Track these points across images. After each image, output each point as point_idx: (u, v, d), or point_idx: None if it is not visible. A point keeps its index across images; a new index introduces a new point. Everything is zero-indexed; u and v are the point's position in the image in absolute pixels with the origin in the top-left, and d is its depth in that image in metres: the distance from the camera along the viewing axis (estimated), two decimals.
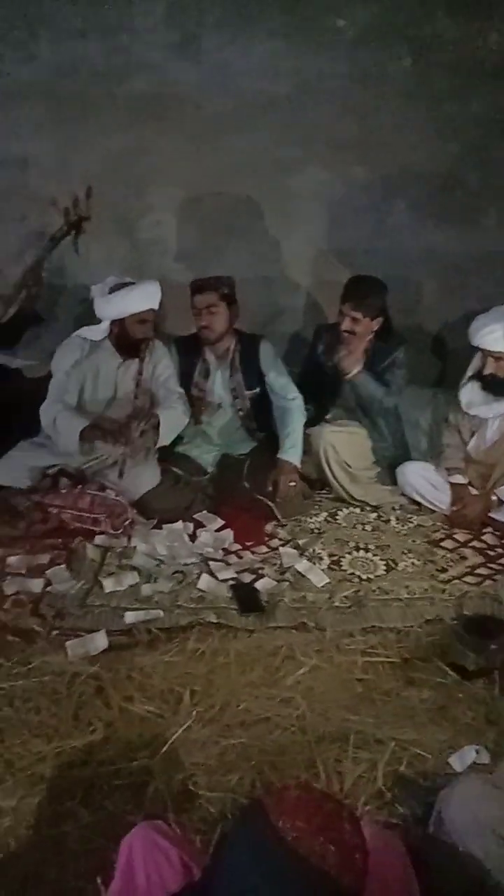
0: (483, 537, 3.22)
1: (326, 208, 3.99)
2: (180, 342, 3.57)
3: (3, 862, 1.71)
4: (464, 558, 3.07)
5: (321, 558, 3.03)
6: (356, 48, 3.70)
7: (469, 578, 2.92)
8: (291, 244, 4.07)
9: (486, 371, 3.15)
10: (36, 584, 2.78)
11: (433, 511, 3.37)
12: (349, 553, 3.08)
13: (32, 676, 2.28)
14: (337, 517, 3.38)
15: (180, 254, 4.06)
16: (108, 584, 2.79)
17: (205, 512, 3.34)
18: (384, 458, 3.53)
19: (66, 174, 3.73)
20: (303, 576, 2.88)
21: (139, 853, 1.33)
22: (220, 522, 3.27)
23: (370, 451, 3.50)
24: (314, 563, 2.97)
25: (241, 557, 3.04)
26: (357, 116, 3.82)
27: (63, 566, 2.91)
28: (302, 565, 2.93)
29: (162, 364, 3.45)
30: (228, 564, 2.97)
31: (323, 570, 2.92)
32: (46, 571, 2.86)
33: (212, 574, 2.87)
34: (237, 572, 2.90)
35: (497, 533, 3.24)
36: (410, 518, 3.37)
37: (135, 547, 3.06)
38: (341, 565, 2.99)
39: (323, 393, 3.56)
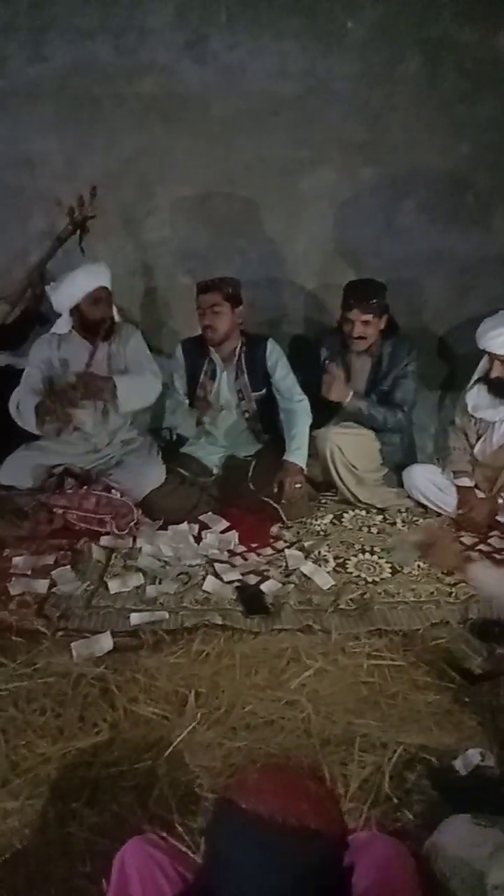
0: (489, 540, 3.20)
1: (335, 210, 3.98)
2: (186, 343, 3.57)
3: (9, 862, 1.70)
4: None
5: (327, 561, 3.02)
6: (366, 49, 3.69)
7: None
8: (299, 245, 4.06)
9: (493, 374, 3.14)
10: (41, 585, 2.78)
11: (439, 514, 3.36)
12: (355, 555, 3.07)
13: (37, 677, 2.28)
14: (343, 519, 3.37)
15: (187, 255, 4.06)
16: (114, 586, 2.79)
17: (210, 513, 3.35)
18: (391, 461, 3.53)
19: (74, 175, 3.75)
20: (308, 578, 2.87)
21: (133, 864, 1.34)
22: (226, 524, 3.28)
23: (377, 454, 3.49)
24: (320, 566, 2.96)
25: (246, 559, 3.04)
26: (367, 118, 3.81)
27: (68, 567, 2.92)
28: (307, 567, 2.93)
29: (131, 343, 3.46)
30: (234, 566, 2.97)
31: (328, 572, 2.92)
32: (52, 572, 2.87)
33: (217, 576, 2.87)
34: (242, 574, 2.90)
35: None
36: (417, 521, 3.36)
37: (140, 548, 3.07)
38: (347, 568, 2.99)
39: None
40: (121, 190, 3.83)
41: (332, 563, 3.00)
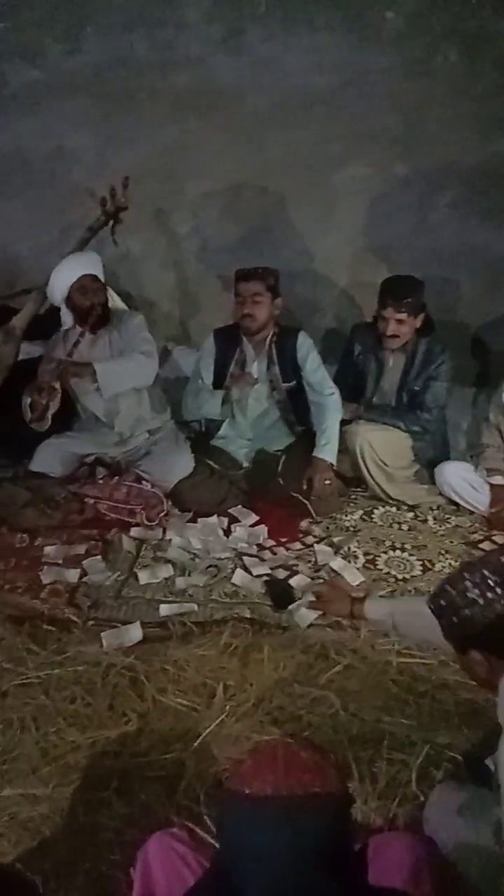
0: None
1: (367, 205, 3.95)
2: (218, 332, 3.56)
3: (38, 848, 1.73)
4: None
5: (356, 557, 3.00)
6: (402, 42, 3.65)
7: None
8: (330, 240, 4.04)
9: None
10: (72, 575, 2.81)
11: (472, 512, 3.32)
12: (385, 552, 3.05)
13: (68, 666, 2.30)
14: (373, 515, 3.35)
15: (218, 249, 4.07)
16: (143, 577, 2.81)
17: (239, 507, 3.34)
18: (423, 457, 3.50)
19: (107, 168, 3.75)
20: (337, 574, 2.86)
21: (156, 858, 1.36)
22: (255, 518, 3.28)
23: (409, 450, 3.45)
24: (349, 562, 2.95)
25: (275, 553, 3.04)
26: (401, 111, 3.77)
27: (99, 557, 2.94)
28: (337, 563, 2.92)
29: (129, 327, 3.45)
30: (262, 560, 2.97)
31: (358, 568, 2.90)
32: (83, 562, 2.90)
33: (246, 569, 2.87)
34: (271, 568, 2.89)
35: None
36: (448, 518, 3.32)
37: (170, 540, 3.08)
38: (377, 564, 2.97)
39: (359, 393, 3.54)
40: (153, 183, 3.84)
41: (361, 560, 2.99)
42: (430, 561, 2.99)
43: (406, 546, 3.09)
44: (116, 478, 3.31)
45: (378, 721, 2.10)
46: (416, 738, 2.04)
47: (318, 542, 3.11)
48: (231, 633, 2.47)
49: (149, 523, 3.16)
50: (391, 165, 3.88)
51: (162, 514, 3.21)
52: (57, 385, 3.24)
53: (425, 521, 3.31)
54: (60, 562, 2.91)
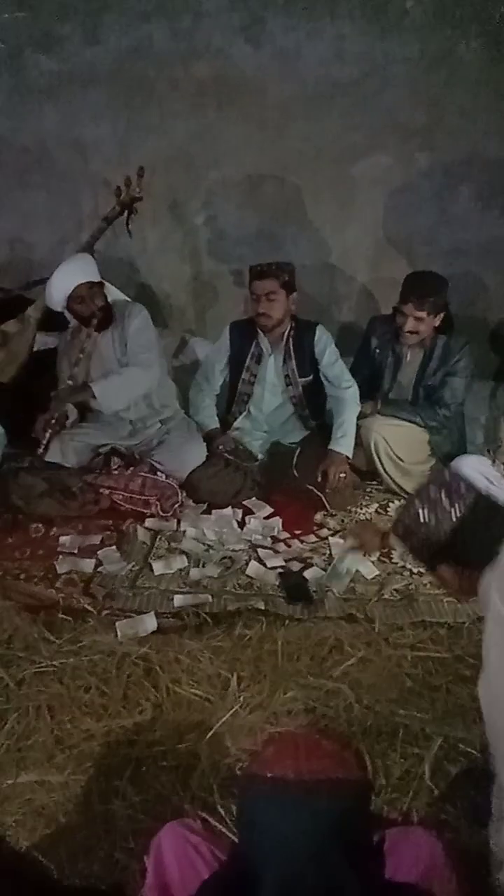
0: None
1: (388, 196, 3.93)
2: (234, 326, 3.55)
3: (53, 836, 1.73)
4: None
5: None
6: (424, 32, 3.62)
7: None
8: (350, 232, 4.02)
9: None
10: (87, 564, 2.82)
11: None
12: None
13: (83, 655, 2.30)
14: (388, 509, 3.33)
15: (237, 240, 4.06)
16: (158, 567, 2.82)
17: (254, 499, 3.34)
18: (439, 452, 3.47)
19: (126, 158, 3.75)
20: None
21: (169, 848, 1.36)
22: (269, 510, 3.27)
23: (425, 445, 3.43)
24: (364, 555, 2.93)
25: (289, 546, 3.03)
26: (423, 102, 3.74)
27: (114, 547, 2.95)
28: (351, 556, 2.90)
29: (133, 326, 3.40)
30: (277, 552, 2.96)
31: (373, 561, 2.89)
32: (98, 552, 2.91)
33: (260, 561, 2.87)
34: (286, 560, 2.89)
35: None
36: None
37: (184, 531, 3.08)
38: (392, 558, 2.95)
39: (375, 387, 3.52)
40: (172, 174, 3.84)
41: (376, 553, 2.97)
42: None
43: None
44: (131, 468, 3.32)
45: (392, 714, 2.09)
46: (431, 731, 2.03)
47: (332, 535, 3.10)
48: (245, 624, 2.47)
49: (163, 514, 3.17)
50: (412, 156, 3.86)
51: (176, 505, 3.21)
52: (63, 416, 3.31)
53: None
54: (76, 552, 2.92)
